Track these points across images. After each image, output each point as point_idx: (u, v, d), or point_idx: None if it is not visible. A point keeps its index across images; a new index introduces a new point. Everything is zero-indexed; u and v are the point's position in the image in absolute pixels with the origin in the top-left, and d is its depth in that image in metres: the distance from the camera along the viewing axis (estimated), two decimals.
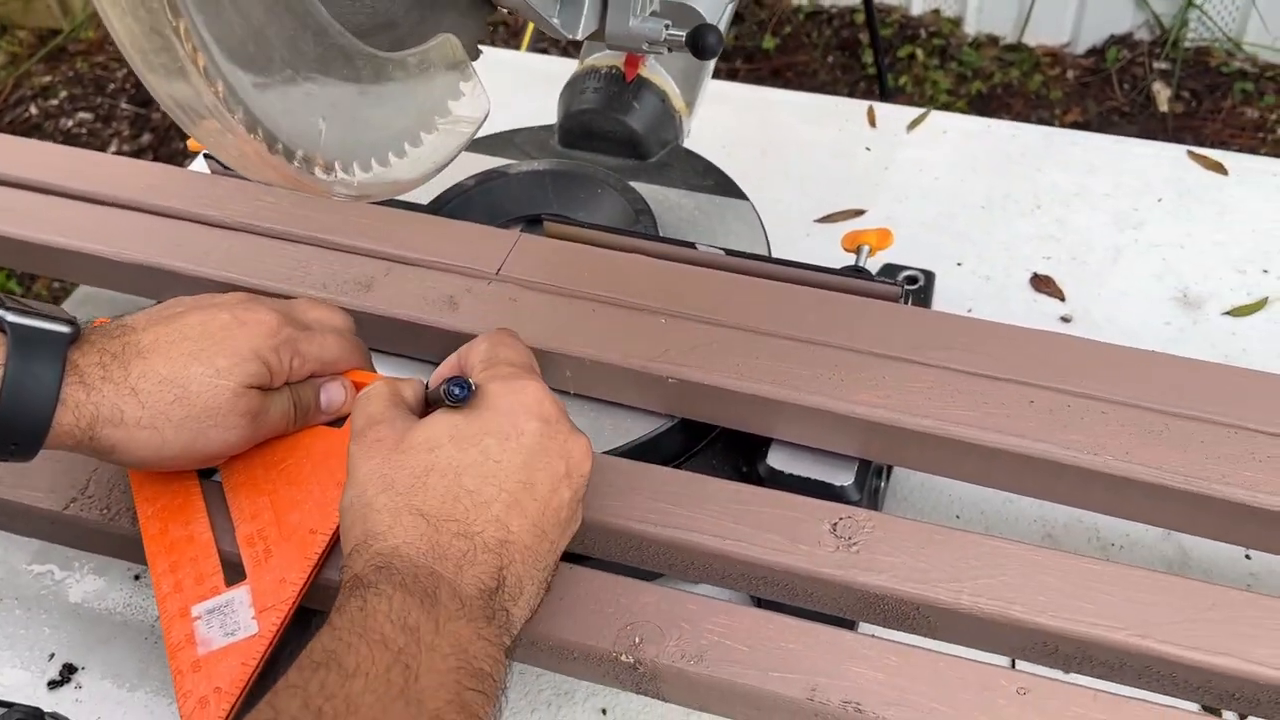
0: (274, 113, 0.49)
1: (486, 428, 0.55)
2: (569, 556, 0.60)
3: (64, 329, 0.58)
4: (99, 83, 2.68)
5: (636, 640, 0.58)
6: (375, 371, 0.68)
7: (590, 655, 0.59)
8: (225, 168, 0.87)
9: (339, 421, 0.67)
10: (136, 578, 0.79)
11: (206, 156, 0.88)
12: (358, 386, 0.66)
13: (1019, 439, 0.64)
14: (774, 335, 0.71)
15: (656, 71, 0.91)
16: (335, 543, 0.61)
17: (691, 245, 0.77)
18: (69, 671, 0.74)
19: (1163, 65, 2.42)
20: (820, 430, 0.68)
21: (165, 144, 2.47)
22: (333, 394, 0.65)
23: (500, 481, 0.54)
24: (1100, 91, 2.42)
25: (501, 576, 0.52)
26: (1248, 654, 0.55)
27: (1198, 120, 2.33)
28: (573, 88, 0.93)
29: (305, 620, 0.62)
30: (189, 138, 0.52)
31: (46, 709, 0.58)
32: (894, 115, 1.12)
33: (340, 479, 0.62)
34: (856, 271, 0.77)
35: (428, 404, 0.62)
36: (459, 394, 0.55)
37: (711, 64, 0.95)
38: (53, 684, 0.74)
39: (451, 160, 0.65)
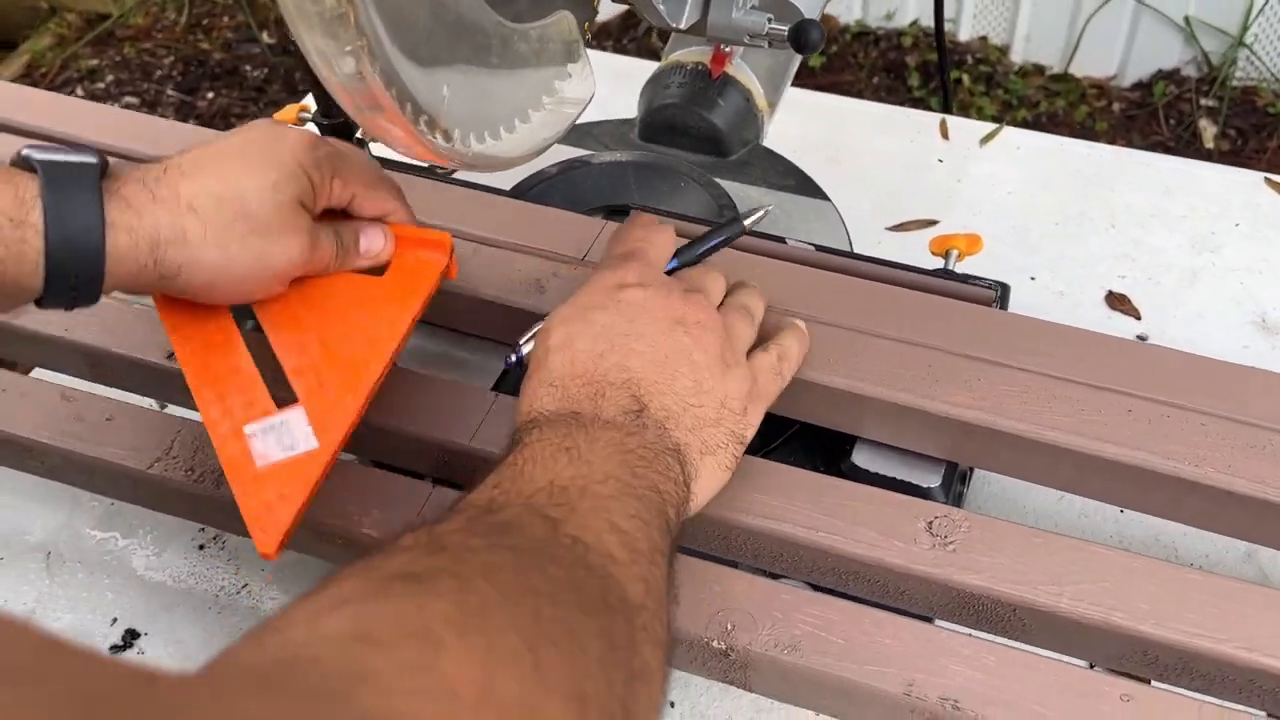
0: (411, 72, 0.49)
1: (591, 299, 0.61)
2: None
3: (92, 159, 0.55)
4: (146, 69, 2.69)
5: (729, 627, 0.57)
6: (414, 220, 0.66)
7: (680, 640, 0.58)
8: None
9: (378, 271, 0.65)
10: (201, 547, 0.78)
11: None
12: (398, 238, 0.65)
13: (1116, 447, 0.63)
14: (864, 332, 0.70)
15: (742, 70, 0.91)
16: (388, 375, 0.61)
17: (781, 240, 0.76)
18: (131, 637, 0.74)
19: (1209, 102, 2.42)
20: (910, 430, 0.67)
21: None
22: (372, 238, 0.64)
23: (611, 339, 0.58)
24: (1146, 125, 2.41)
25: (642, 402, 0.55)
26: None
27: (1243, 159, 2.32)
28: (656, 82, 0.92)
29: None
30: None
31: None
32: (966, 129, 1.11)
33: (382, 329, 0.61)
34: (946, 274, 0.76)
35: None
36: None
37: (795, 65, 0.95)
38: (114, 649, 0.73)
39: (555, 141, 0.65)
